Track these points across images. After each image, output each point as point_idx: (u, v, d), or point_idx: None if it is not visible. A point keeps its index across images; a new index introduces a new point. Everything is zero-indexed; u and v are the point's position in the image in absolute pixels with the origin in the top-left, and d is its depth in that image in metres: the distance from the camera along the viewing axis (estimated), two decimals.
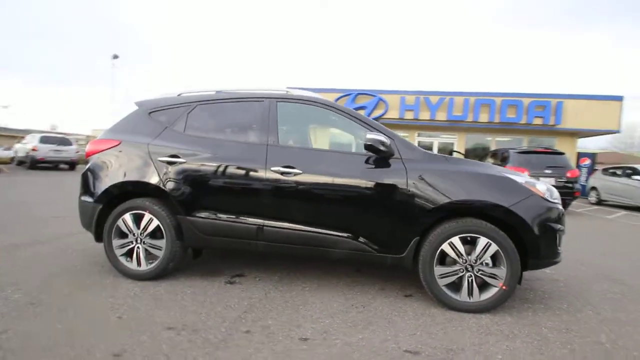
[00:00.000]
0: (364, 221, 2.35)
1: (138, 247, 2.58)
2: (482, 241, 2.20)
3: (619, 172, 10.18)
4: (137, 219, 2.58)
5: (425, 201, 2.24)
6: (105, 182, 2.61)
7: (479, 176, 2.29)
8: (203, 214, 2.51)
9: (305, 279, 2.75)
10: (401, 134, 2.88)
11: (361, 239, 2.33)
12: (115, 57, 26.78)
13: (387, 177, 2.31)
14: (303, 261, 3.13)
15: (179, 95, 2.93)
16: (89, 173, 2.72)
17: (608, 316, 2.27)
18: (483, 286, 2.23)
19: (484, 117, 13.80)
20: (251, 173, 2.45)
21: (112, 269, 2.74)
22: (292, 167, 2.38)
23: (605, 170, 10.90)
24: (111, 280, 2.57)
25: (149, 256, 2.59)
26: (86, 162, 2.84)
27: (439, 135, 15.86)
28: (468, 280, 2.23)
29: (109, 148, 2.68)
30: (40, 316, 1.97)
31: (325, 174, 2.38)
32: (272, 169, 2.40)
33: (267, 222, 2.43)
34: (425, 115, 14.39)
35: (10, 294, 2.24)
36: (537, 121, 13.48)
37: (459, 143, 15.46)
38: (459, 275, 2.24)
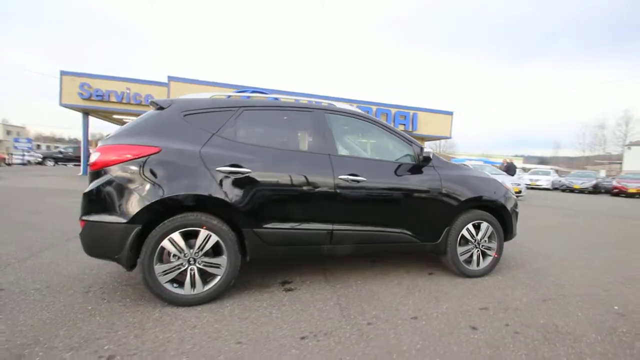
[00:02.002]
0: (412, 218, 2.85)
1: (192, 269, 2.28)
2: (484, 225, 3.07)
3: None
4: (188, 237, 2.27)
5: (453, 199, 2.94)
6: (146, 197, 2.16)
7: (480, 179, 3.15)
8: (272, 225, 2.45)
9: (347, 276, 3.02)
10: None
11: (410, 233, 2.84)
12: None
13: (429, 182, 2.88)
14: (323, 262, 3.36)
15: (212, 97, 2.66)
16: (110, 187, 2.17)
17: (538, 266, 3.55)
18: (483, 257, 3.12)
19: None
20: (321, 181, 2.56)
21: (142, 301, 2.33)
22: (357, 175, 2.65)
23: None
24: (158, 313, 2.18)
25: (202, 277, 2.33)
26: (94, 175, 2.24)
27: None
28: (477, 254, 3.07)
29: (145, 156, 2.22)
30: None
31: (382, 180, 2.75)
32: (340, 177, 2.60)
33: (336, 227, 2.60)
34: None
35: (51, 355, 1.66)
36: (401, 127, 16.83)
37: None
38: (471, 252, 3.06)
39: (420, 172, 2.91)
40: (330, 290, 2.66)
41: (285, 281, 2.83)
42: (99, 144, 2.34)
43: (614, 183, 16.80)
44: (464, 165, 3.37)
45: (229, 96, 2.85)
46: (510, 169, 14.25)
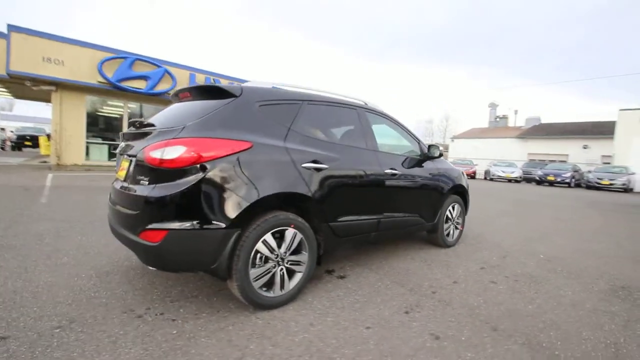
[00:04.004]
0: (423, 203, 3.45)
1: (282, 269, 2.22)
2: (457, 206, 3.98)
3: None
4: (277, 236, 2.19)
5: (445, 186, 3.69)
6: (245, 197, 1.96)
7: (455, 170, 4.01)
8: (343, 218, 2.57)
9: (369, 259, 3.39)
10: None
11: (420, 216, 3.43)
12: None
13: (432, 173, 3.53)
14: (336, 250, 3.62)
15: (274, 87, 2.49)
16: (204, 188, 1.87)
17: (477, 233, 4.79)
18: (455, 230, 4.04)
19: None
20: (375, 175, 2.82)
21: (222, 312, 2.15)
22: (395, 169, 3.02)
23: None
24: (259, 320, 2.07)
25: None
26: (173, 174, 1.85)
27: None
28: (452, 229, 3.96)
29: (236, 152, 1.97)
30: None
31: (407, 172, 3.21)
32: (386, 171, 2.92)
33: (382, 216, 2.93)
34: None
35: None
36: None
37: None
38: (449, 227, 3.92)
39: (425, 165, 3.52)
40: (372, 273, 2.99)
41: (330, 270, 2.98)
42: (173, 136, 1.91)
43: None
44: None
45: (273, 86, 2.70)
46: None
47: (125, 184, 2.15)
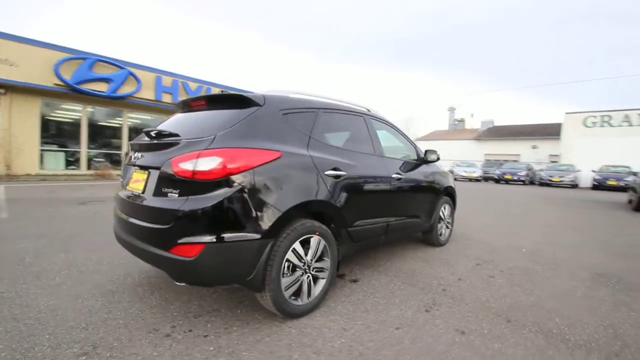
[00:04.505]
0: (422, 205, 3.62)
1: (308, 277, 2.24)
2: (448, 207, 4.22)
3: None
4: (303, 244, 2.21)
5: (439, 188, 3.90)
6: (276, 207, 1.96)
7: (444, 171, 4.24)
8: (359, 223, 2.64)
9: (373, 262, 3.49)
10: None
11: (419, 217, 3.60)
12: None
13: (429, 176, 3.71)
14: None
15: (295, 95, 2.51)
16: (239, 199, 1.85)
17: (460, 232, 5.08)
18: (445, 229, 4.27)
19: None
20: (386, 180, 2.92)
21: (250, 324, 2.14)
22: (400, 174, 3.15)
23: None
24: (292, 329, 2.08)
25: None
26: (207, 186, 1.81)
27: None
28: (444, 229, 4.19)
29: (267, 162, 1.97)
30: None
31: (409, 176, 3.35)
32: (393, 175, 3.03)
33: (390, 219, 3.04)
34: None
35: None
36: None
37: None
38: (442, 228, 4.13)
39: (421, 168, 3.70)
40: (382, 275, 3.09)
41: (341, 275, 3.03)
42: (204, 147, 1.85)
43: None
44: None
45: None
46: None
47: (145, 196, 2.05)
